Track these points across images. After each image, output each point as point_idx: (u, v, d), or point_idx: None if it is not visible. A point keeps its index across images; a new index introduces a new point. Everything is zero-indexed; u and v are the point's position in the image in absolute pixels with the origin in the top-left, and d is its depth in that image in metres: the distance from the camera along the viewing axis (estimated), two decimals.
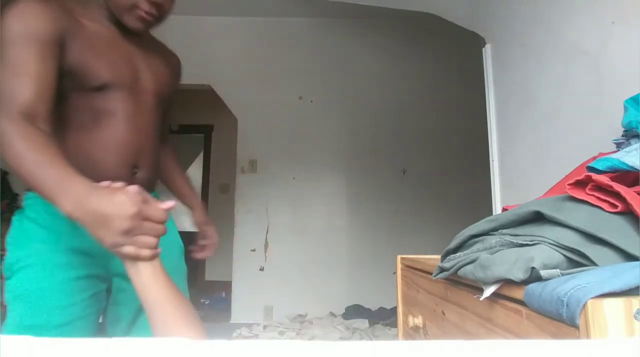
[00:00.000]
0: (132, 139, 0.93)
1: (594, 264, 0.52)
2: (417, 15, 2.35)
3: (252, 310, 3.69)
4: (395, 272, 1.30)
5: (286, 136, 3.92)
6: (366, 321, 3.33)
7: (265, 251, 3.80)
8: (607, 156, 0.69)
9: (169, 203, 0.72)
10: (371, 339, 3.01)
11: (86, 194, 0.65)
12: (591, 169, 0.68)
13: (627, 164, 0.65)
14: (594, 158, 0.81)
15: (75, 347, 0.25)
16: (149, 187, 0.97)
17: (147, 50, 1.02)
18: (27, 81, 0.76)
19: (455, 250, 0.73)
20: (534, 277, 0.53)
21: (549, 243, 0.55)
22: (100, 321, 0.98)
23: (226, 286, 4.05)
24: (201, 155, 5.67)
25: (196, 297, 4.53)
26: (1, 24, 0.78)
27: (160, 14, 0.96)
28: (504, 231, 0.65)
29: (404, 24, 3.97)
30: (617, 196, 0.56)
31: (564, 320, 0.46)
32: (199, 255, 1.22)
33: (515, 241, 0.60)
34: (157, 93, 1.01)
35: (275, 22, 4.03)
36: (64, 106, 0.87)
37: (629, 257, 0.52)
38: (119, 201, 0.64)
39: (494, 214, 1.62)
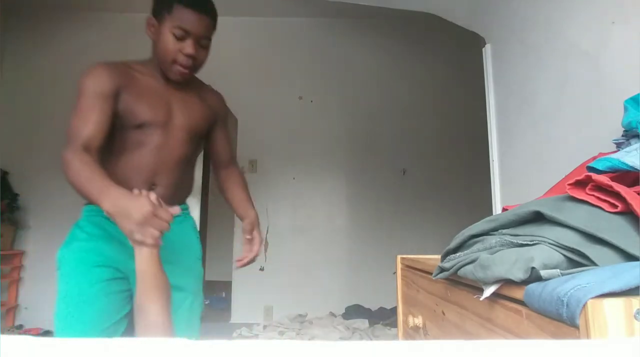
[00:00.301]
0: (153, 163, 1.21)
1: (594, 264, 0.52)
2: (417, 15, 2.35)
3: (252, 310, 3.69)
4: (395, 272, 1.30)
5: (286, 136, 3.92)
6: (366, 321, 3.33)
7: (265, 251, 3.80)
8: (607, 156, 0.69)
9: (176, 209, 0.97)
10: (371, 339, 3.01)
11: (119, 197, 0.93)
12: (591, 169, 0.68)
13: (627, 164, 0.65)
14: (594, 158, 0.81)
15: (75, 347, 0.25)
16: (170, 199, 1.18)
17: (186, 93, 1.30)
18: (88, 124, 1.08)
19: (455, 250, 0.73)
20: (534, 277, 0.53)
21: (549, 243, 0.55)
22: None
23: (226, 285, 4.05)
24: (201, 155, 5.67)
25: None
26: (79, 80, 1.14)
27: (196, 66, 1.24)
28: (504, 231, 0.65)
29: (404, 24, 3.97)
30: (617, 195, 0.56)
31: (564, 320, 0.46)
32: (239, 263, 1.42)
33: (515, 241, 0.60)
34: (189, 129, 1.28)
35: (275, 22, 4.03)
36: (114, 139, 1.17)
37: (629, 257, 0.52)
38: (140, 202, 0.91)
39: (494, 214, 1.62)
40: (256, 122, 3.87)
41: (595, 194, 0.58)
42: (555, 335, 0.48)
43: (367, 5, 2.35)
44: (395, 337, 1.97)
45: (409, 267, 1.19)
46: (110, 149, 1.18)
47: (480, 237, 0.68)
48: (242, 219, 1.47)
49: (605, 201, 0.57)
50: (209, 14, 1.21)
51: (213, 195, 5.40)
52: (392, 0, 2.33)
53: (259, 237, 1.43)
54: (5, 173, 3.56)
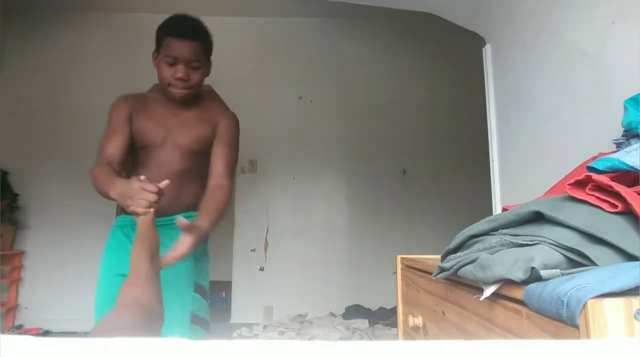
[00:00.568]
0: (156, 176, 1.36)
1: (594, 264, 0.52)
2: (417, 15, 2.35)
3: (252, 310, 3.69)
4: (395, 272, 1.30)
5: (286, 136, 3.92)
6: (366, 321, 3.33)
7: (265, 251, 3.80)
8: (607, 156, 0.69)
9: (164, 182, 1.16)
10: (371, 339, 3.01)
11: (120, 185, 1.19)
12: (591, 169, 0.68)
13: (627, 164, 0.65)
14: (594, 158, 0.81)
15: (75, 347, 0.25)
16: (172, 207, 1.40)
17: (190, 113, 1.49)
18: (111, 144, 1.39)
19: (455, 250, 0.73)
20: (534, 277, 0.53)
21: (549, 243, 0.55)
22: None
23: (226, 286, 4.05)
24: None
25: None
26: (109, 110, 1.46)
27: (191, 86, 1.43)
28: (504, 231, 0.65)
29: (404, 24, 3.96)
30: (617, 196, 0.56)
31: (564, 320, 0.46)
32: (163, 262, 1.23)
33: (515, 241, 0.60)
34: (185, 146, 1.47)
35: (275, 22, 4.03)
36: (136, 156, 1.49)
37: (629, 257, 0.52)
38: (131, 183, 1.15)
39: (494, 214, 1.62)
40: (256, 122, 3.86)
41: (595, 194, 0.58)
42: (555, 335, 0.48)
43: (367, 5, 2.35)
44: (395, 337, 1.97)
45: (409, 267, 1.19)
46: (134, 164, 1.50)
47: (480, 237, 0.68)
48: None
49: (605, 201, 0.57)
50: (195, 39, 1.39)
51: None
52: (392, 0, 2.33)
53: (189, 243, 1.20)
54: (5, 173, 3.56)
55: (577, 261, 0.53)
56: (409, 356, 0.25)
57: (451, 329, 0.83)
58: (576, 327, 0.44)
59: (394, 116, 3.99)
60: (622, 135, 0.86)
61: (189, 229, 1.18)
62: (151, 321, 0.97)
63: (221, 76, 3.82)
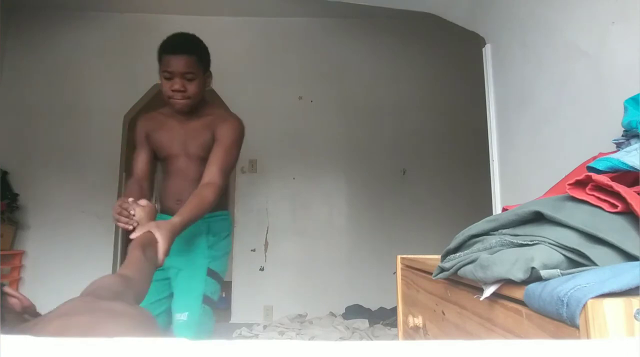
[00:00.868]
0: (177, 185, 1.63)
1: (594, 264, 0.52)
2: (417, 15, 2.35)
3: (252, 310, 3.69)
4: (395, 272, 1.30)
5: (286, 136, 3.92)
6: (366, 321, 3.33)
7: (265, 251, 3.80)
8: (607, 156, 0.69)
9: (142, 201, 1.34)
10: (371, 339, 3.01)
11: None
12: (591, 169, 0.68)
13: (627, 164, 0.65)
14: (594, 158, 0.81)
15: (75, 347, 0.25)
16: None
17: (197, 123, 1.61)
18: (138, 161, 1.65)
19: (455, 250, 0.73)
20: (534, 277, 0.53)
21: (549, 243, 0.55)
22: None
23: (226, 285, 4.04)
24: None
25: None
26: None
27: (189, 96, 1.53)
28: (504, 231, 0.65)
29: (404, 24, 3.96)
30: (617, 196, 0.56)
31: (564, 320, 0.46)
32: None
33: (515, 241, 0.60)
34: (197, 155, 1.60)
35: (275, 22, 4.03)
36: (163, 168, 1.68)
37: (629, 257, 0.52)
38: (114, 206, 1.34)
39: (494, 214, 1.62)
40: (256, 122, 3.85)
41: (595, 194, 0.58)
42: (555, 335, 0.48)
43: (367, 5, 2.35)
44: (395, 337, 1.97)
45: (409, 267, 1.19)
46: (162, 172, 1.70)
47: (480, 237, 0.68)
48: None
49: (605, 201, 0.57)
50: (187, 52, 1.49)
51: None
52: (392, 0, 2.33)
53: (160, 239, 1.24)
54: (5, 173, 3.56)
55: (577, 261, 0.53)
56: (409, 356, 0.25)
57: (451, 329, 0.83)
58: (576, 327, 0.44)
59: (394, 116, 3.99)
60: (622, 135, 0.86)
61: (156, 227, 1.30)
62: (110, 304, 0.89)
63: (221, 76, 3.83)
